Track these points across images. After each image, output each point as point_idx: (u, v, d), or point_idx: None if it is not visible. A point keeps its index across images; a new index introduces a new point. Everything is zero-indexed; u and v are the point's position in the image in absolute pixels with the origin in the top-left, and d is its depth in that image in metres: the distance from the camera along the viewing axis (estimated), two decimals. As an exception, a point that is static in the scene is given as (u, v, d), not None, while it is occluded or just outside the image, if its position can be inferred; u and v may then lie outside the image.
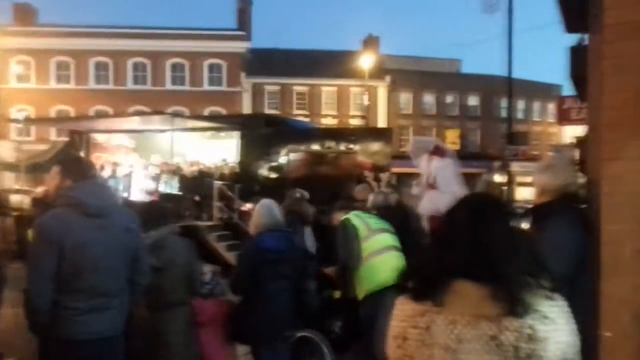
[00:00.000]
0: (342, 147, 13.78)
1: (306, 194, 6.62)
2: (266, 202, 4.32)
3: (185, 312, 3.90)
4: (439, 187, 7.53)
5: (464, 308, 1.44)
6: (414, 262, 1.67)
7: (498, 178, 36.52)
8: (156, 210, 3.97)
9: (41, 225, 2.88)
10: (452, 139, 38.95)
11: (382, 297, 4.13)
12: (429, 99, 39.53)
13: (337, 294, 4.90)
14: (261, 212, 4.22)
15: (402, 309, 1.54)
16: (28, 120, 30.43)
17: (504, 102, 33.12)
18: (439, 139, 38.45)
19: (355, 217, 4.62)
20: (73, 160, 3.67)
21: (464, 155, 38.63)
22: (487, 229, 1.50)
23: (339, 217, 4.84)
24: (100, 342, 2.91)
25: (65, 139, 19.68)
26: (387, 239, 4.58)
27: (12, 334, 4.16)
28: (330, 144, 13.94)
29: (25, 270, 5.47)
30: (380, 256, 4.43)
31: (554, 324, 1.43)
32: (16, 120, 30.10)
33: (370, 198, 5.93)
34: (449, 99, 39.95)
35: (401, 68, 38.05)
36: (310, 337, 4.82)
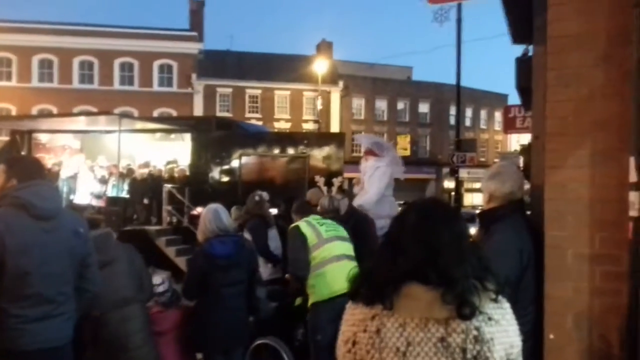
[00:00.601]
0: (295, 151, 13.77)
1: (266, 196, 6.52)
2: (213, 207, 4.24)
3: (140, 310, 3.74)
4: (365, 187, 7.74)
5: (413, 311, 1.46)
6: (365, 266, 1.67)
7: (447, 184, 37.47)
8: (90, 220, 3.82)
9: None
10: (403, 144, 39.63)
11: (333, 304, 4.08)
12: (381, 105, 40.12)
13: (298, 301, 4.84)
14: (208, 217, 4.14)
15: (353, 313, 1.55)
16: (-35, 119, 28.97)
17: (453, 110, 34.03)
18: (382, 137, 39.14)
19: (306, 226, 4.49)
20: (20, 159, 3.50)
21: (414, 161, 39.58)
22: (436, 232, 1.52)
23: (296, 221, 4.74)
24: (48, 352, 2.78)
25: (6, 138, 18.85)
26: (339, 247, 4.49)
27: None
28: (283, 148, 13.91)
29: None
30: (331, 265, 4.36)
31: (498, 325, 1.48)
32: (-48, 119, 28.61)
33: (320, 203, 5.91)
34: (401, 105, 40.68)
35: (354, 74, 38.49)
36: (270, 345, 4.76)
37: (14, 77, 33.84)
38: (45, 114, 26.67)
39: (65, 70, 34.25)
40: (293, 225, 4.55)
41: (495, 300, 1.50)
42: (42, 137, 15.43)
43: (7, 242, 2.67)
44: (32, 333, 2.73)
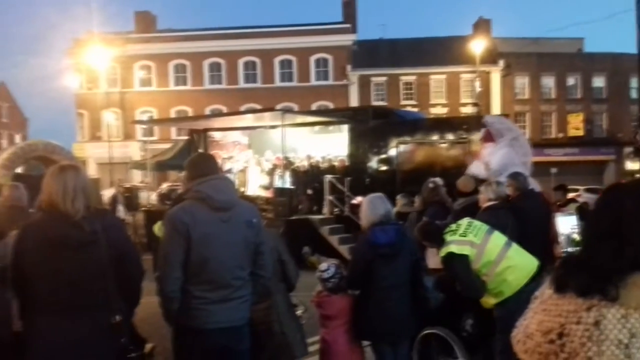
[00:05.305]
0: (454, 137, 13.28)
1: (440, 181, 6.35)
2: (372, 196, 4.25)
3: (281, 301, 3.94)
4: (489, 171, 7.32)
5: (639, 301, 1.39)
6: (574, 256, 1.58)
7: (630, 165, 33.54)
8: None
9: (171, 216, 3.01)
10: (575, 124, 36.32)
11: (520, 294, 3.91)
12: (548, 81, 37.09)
13: None
14: (368, 206, 4.16)
15: (557, 303, 1.47)
16: (151, 121, 32.76)
17: (634, 82, 30.34)
18: (549, 116, 36.10)
19: (457, 247, 4.21)
20: (200, 156, 3.82)
21: (589, 142, 36.07)
22: None
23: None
24: (226, 331, 3.01)
25: (185, 137, 20.87)
26: (496, 238, 4.27)
27: (150, 322, 4.43)
28: (441, 134, 13.50)
29: (153, 262, 5.81)
30: (506, 257, 4.15)
31: None
32: (140, 122, 32.56)
33: (481, 193, 5.55)
34: (571, 80, 37.20)
35: (516, 50, 36.09)
36: (439, 335, 4.64)
37: (189, 81, 37.44)
38: (217, 114, 29.00)
39: (232, 71, 37.04)
40: (445, 253, 4.25)
41: None
42: (216, 135, 16.81)
43: (192, 232, 2.92)
44: (212, 313, 2.98)
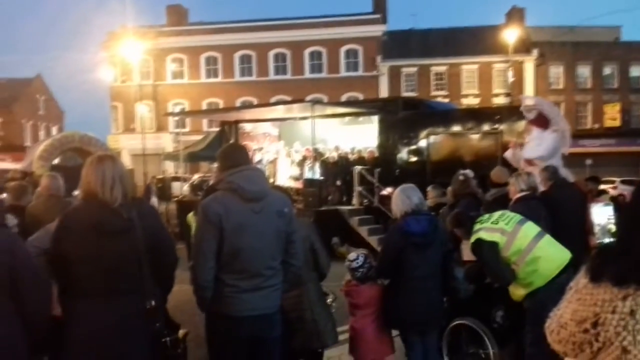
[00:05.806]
0: (486, 127, 13.10)
1: (470, 173, 6.30)
2: (404, 187, 4.24)
3: (312, 289, 4.01)
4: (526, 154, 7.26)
5: None
6: (610, 246, 1.59)
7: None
8: None
9: (204, 206, 3.06)
10: (612, 114, 35.39)
11: (552, 285, 3.88)
12: (583, 71, 36.18)
13: None
14: (400, 197, 4.16)
15: (591, 293, 1.46)
16: (183, 113, 33.18)
17: (674, 70, 29.31)
18: (584, 107, 35.21)
19: (486, 233, 4.18)
20: (231, 147, 3.88)
21: (626, 132, 35.07)
22: None
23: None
24: (257, 318, 3.06)
25: (217, 129, 21.09)
26: (529, 228, 4.21)
27: (183, 309, 4.54)
28: (473, 124, 13.32)
29: (185, 251, 5.90)
30: (537, 247, 4.10)
31: None
32: (173, 114, 33.02)
33: (511, 185, 5.49)
34: (608, 70, 36.20)
35: (551, 39, 35.26)
36: (469, 326, 4.63)
37: (220, 74, 37.77)
38: (248, 105, 29.21)
39: (262, 63, 37.22)
40: (474, 239, 4.22)
41: None
42: (247, 126, 16.95)
43: (224, 222, 2.97)
44: (244, 301, 3.03)
